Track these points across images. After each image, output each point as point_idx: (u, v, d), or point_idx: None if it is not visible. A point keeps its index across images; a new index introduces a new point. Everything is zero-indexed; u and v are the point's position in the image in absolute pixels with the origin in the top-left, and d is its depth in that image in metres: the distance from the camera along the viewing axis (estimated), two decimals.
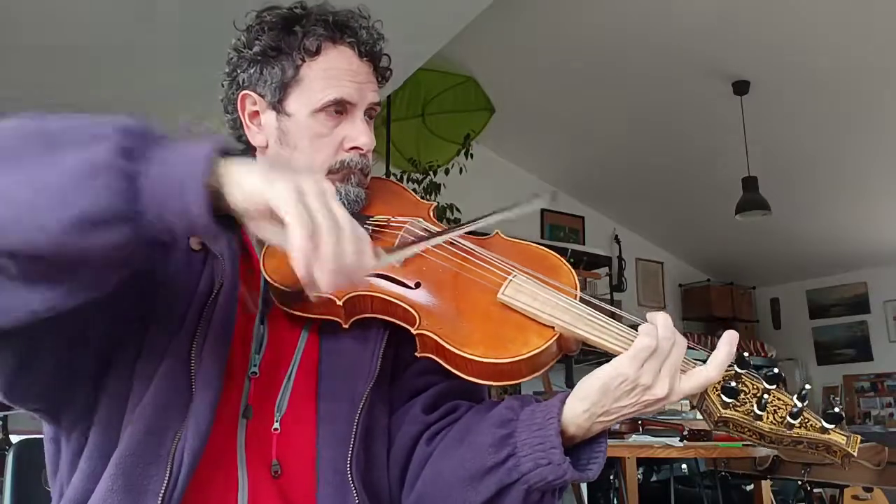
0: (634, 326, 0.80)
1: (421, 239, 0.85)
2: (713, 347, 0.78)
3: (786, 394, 0.75)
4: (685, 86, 4.68)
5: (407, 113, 4.82)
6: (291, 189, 0.60)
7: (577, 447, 0.79)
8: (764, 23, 3.97)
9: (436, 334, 0.78)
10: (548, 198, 0.94)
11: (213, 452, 0.80)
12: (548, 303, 0.79)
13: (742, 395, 0.75)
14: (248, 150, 0.96)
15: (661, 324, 0.75)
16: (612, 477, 3.58)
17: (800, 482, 3.29)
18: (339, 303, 0.83)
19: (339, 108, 0.90)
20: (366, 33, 0.92)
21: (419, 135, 5.00)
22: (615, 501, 3.33)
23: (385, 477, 0.89)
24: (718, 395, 0.75)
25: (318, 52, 0.89)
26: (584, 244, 6.26)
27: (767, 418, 0.74)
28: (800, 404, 0.73)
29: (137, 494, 0.75)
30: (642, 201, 6.40)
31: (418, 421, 0.88)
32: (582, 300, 0.82)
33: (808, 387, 0.75)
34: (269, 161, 0.75)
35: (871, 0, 3.70)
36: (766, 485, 3.29)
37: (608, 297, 5.84)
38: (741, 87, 4.54)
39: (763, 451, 2.98)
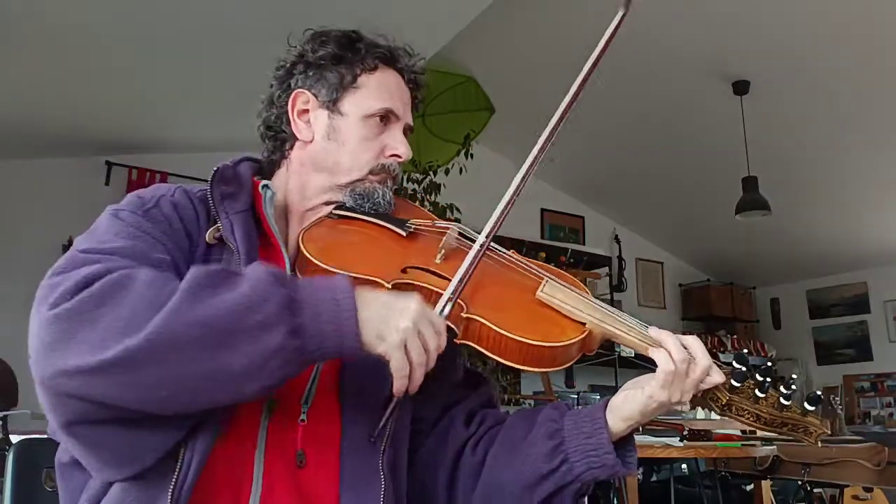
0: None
1: (469, 253, 0.91)
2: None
3: (775, 383, 0.87)
4: (685, 86, 4.68)
5: None
6: (396, 342, 0.77)
7: (615, 446, 0.90)
8: (764, 23, 3.97)
9: (483, 318, 0.85)
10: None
11: (230, 444, 0.82)
12: (580, 301, 0.90)
13: (747, 381, 0.86)
14: (284, 144, 1.03)
15: (670, 347, 0.85)
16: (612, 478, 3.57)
17: (800, 482, 3.29)
18: (388, 285, 0.88)
19: (386, 118, 1.02)
20: (413, 66, 1.07)
21: (419, 135, 4.99)
22: (615, 501, 3.33)
23: (404, 468, 0.95)
24: (726, 383, 0.87)
25: (375, 68, 1.02)
26: (584, 244, 6.26)
27: (764, 402, 0.86)
28: (789, 391, 0.85)
29: (152, 489, 0.77)
30: (642, 201, 6.40)
31: (461, 433, 0.99)
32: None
33: (794, 376, 0.88)
34: (374, 299, 0.80)
35: (871, 0, 3.70)
36: (766, 485, 3.29)
37: (608, 296, 5.84)
38: (741, 87, 4.54)
39: (763, 451, 2.97)
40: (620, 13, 1.03)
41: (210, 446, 0.79)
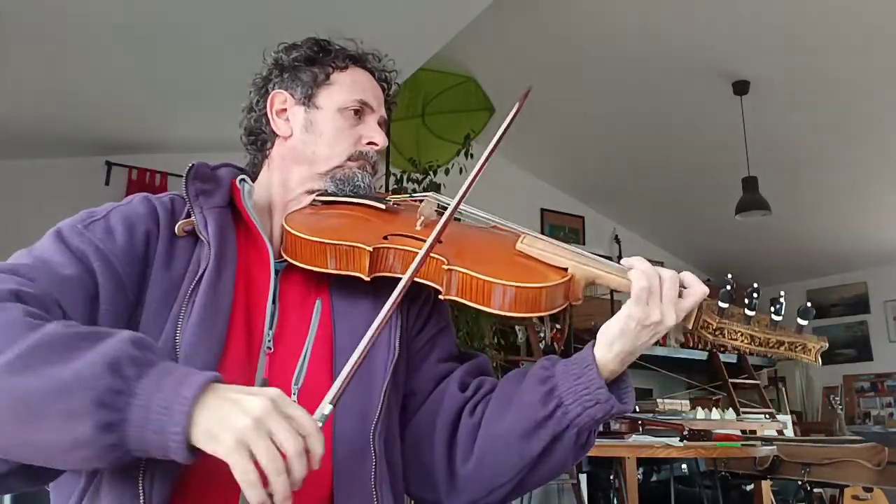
0: None
1: (441, 216, 0.91)
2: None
3: (762, 311, 0.89)
4: (685, 86, 4.68)
5: (407, 113, 4.82)
6: (232, 445, 0.66)
7: (609, 387, 0.89)
8: (764, 23, 3.97)
9: (466, 268, 0.87)
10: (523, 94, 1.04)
11: None
12: (560, 248, 0.92)
13: (734, 304, 0.88)
14: (265, 144, 1.08)
15: (639, 266, 0.86)
16: (612, 477, 3.58)
17: (800, 482, 3.29)
18: (369, 248, 0.91)
19: (360, 111, 1.06)
20: (382, 65, 1.13)
21: (419, 135, 5.00)
22: (615, 501, 3.33)
23: (397, 445, 0.95)
24: (714, 309, 0.88)
25: (346, 67, 1.08)
26: (584, 244, 6.26)
27: (755, 323, 0.88)
28: (779, 307, 0.88)
29: (131, 479, 0.77)
30: (642, 201, 6.40)
31: (457, 398, 0.97)
32: None
33: (782, 292, 0.92)
34: (224, 395, 0.70)
35: (871, 0, 3.70)
36: (766, 485, 3.30)
37: (608, 296, 5.84)
38: (741, 87, 4.54)
39: (763, 451, 2.97)
40: (517, 104, 1.01)
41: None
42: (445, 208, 0.95)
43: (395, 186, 4.60)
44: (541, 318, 5.38)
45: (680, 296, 0.86)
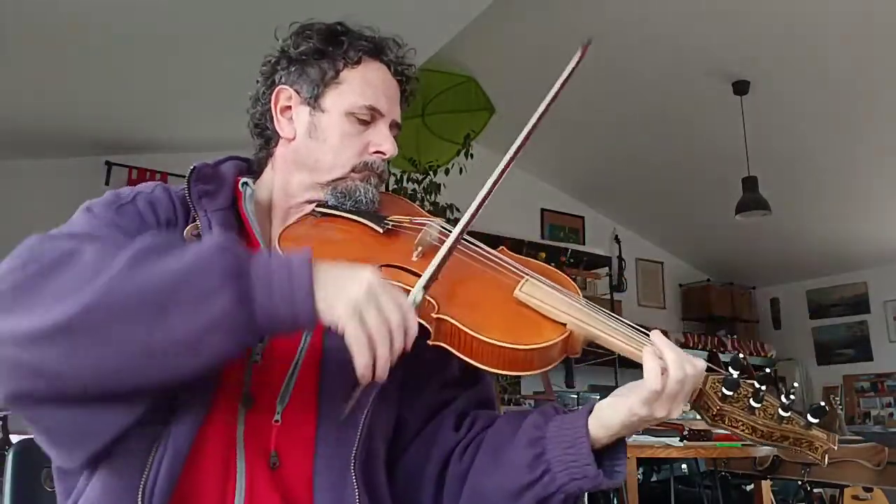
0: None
1: (443, 247, 0.86)
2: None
3: (774, 395, 0.80)
4: (685, 86, 4.68)
5: (407, 113, 4.77)
6: (348, 312, 0.73)
7: (601, 452, 0.85)
8: (764, 23, 3.97)
9: (454, 318, 0.81)
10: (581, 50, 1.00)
11: (211, 440, 0.80)
12: (561, 301, 0.85)
13: (740, 390, 0.80)
14: (270, 141, 1.03)
15: (671, 364, 0.79)
16: None
17: (800, 482, 3.29)
18: None
19: (369, 115, 0.98)
20: (400, 58, 1.03)
21: (419, 135, 5.00)
22: (615, 501, 3.33)
23: (382, 473, 0.91)
24: (717, 391, 0.80)
25: (359, 62, 0.99)
26: (584, 244, 6.26)
27: (760, 413, 0.79)
28: (788, 401, 0.78)
29: (129, 483, 0.76)
30: (642, 201, 6.40)
31: (450, 439, 0.94)
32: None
33: (796, 385, 0.85)
34: (328, 268, 0.75)
35: (871, 0, 3.70)
36: (766, 485, 3.29)
37: (608, 297, 5.84)
38: (741, 87, 4.54)
39: (763, 451, 2.97)
40: (578, 54, 1.01)
41: (188, 444, 0.78)
42: (445, 237, 0.90)
43: (395, 186, 4.60)
44: None
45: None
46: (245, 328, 0.70)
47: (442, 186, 4.63)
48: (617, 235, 6.80)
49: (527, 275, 0.89)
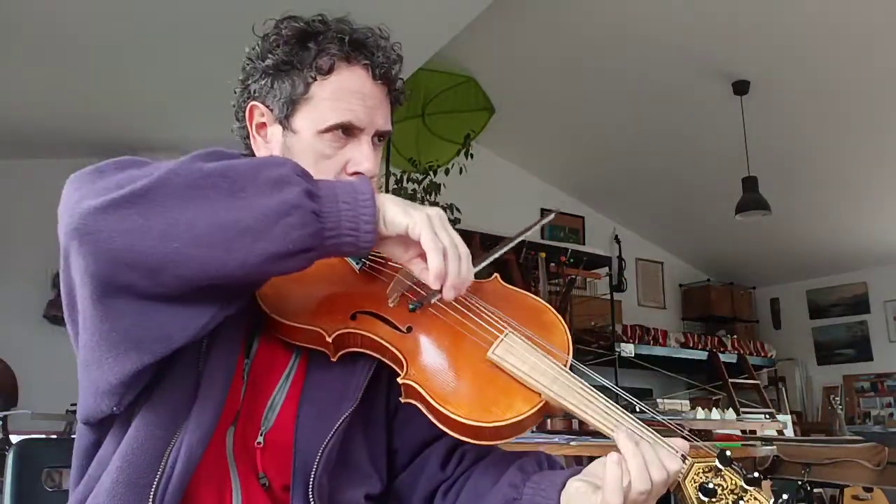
0: (629, 407, 0.82)
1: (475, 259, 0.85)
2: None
3: (762, 495, 0.72)
4: (685, 86, 4.68)
5: (407, 113, 4.82)
6: (425, 219, 0.76)
7: None
8: (764, 23, 3.97)
9: (421, 386, 0.78)
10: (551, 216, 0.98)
11: (207, 457, 0.79)
12: (536, 368, 0.79)
13: (720, 491, 0.73)
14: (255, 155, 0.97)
15: (635, 475, 0.73)
16: None
17: (800, 482, 3.29)
18: (329, 339, 0.83)
19: (346, 130, 0.88)
20: (382, 55, 0.90)
21: (419, 135, 5.00)
22: None
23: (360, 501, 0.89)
24: (696, 492, 0.74)
25: (330, 71, 0.87)
26: (584, 244, 6.26)
27: None
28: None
29: (138, 489, 0.75)
30: (642, 201, 6.41)
31: (436, 477, 0.93)
32: (572, 367, 0.82)
33: (785, 497, 0.75)
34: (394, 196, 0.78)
35: (871, 0, 3.71)
36: (765, 485, 3.29)
37: (608, 297, 5.84)
38: (741, 87, 4.55)
39: (763, 451, 2.97)
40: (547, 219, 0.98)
41: (201, 450, 0.77)
42: (420, 286, 0.86)
43: (395, 186, 4.60)
44: None
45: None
46: (313, 222, 0.71)
47: (442, 186, 4.64)
48: (617, 235, 6.80)
49: (507, 328, 0.83)
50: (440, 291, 0.78)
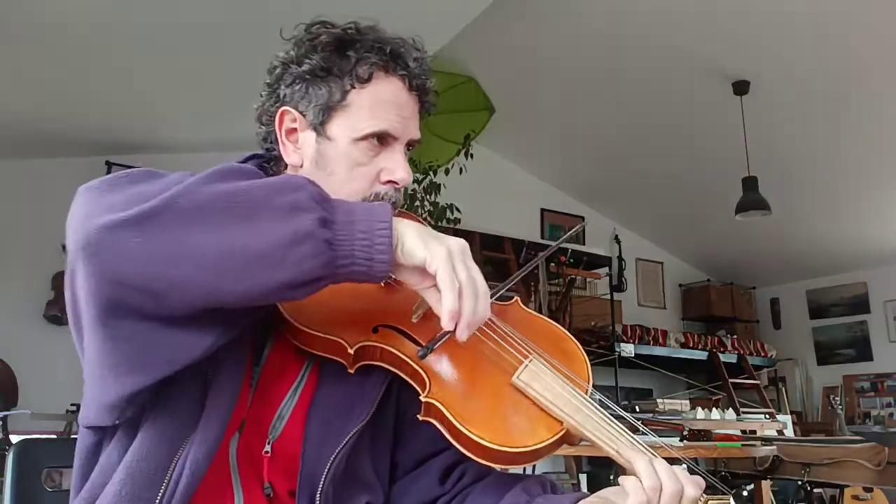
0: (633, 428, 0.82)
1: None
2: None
3: None
4: (685, 86, 4.68)
5: None
6: (444, 254, 0.73)
7: None
8: (764, 23, 3.97)
9: (444, 406, 0.77)
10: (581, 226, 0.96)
11: (213, 469, 0.79)
12: (560, 397, 0.79)
13: None
14: (277, 163, 0.95)
15: (643, 476, 0.74)
16: (612, 477, 3.57)
17: (800, 482, 3.29)
18: (351, 350, 0.82)
19: (381, 139, 0.89)
20: (418, 67, 0.91)
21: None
22: None
23: None
24: None
25: (368, 79, 0.88)
26: (584, 244, 6.26)
27: None
28: None
29: (142, 502, 0.75)
30: (642, 201, 6.41)
31: (434, 490, 0.91)
32: (591, 396, 0.83)
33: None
34: (417, 224, 0.75)
35: (871, 1, 3.70)
36: (766, 485, 3.29)
37: (608, 297, 5.84)
38: (741, 87, 4.54)
39: (763, 451, 2.97)
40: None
41: (206, 463, 0.76)
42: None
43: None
44: None
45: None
46: (325, 252, 0.69)
47: (442, 186, 4.63)
48: (617, 235, 6.80)
49: (532, 353, 0.83)
50: (453, 331, 0.75)
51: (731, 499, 0.74)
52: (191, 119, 4.16)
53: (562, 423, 0.78)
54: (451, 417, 0.76)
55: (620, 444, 0.77)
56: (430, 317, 0.83)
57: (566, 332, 0.91)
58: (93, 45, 3.07)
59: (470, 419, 0.76)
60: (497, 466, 0.78)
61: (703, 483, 0.77)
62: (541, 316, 0.94)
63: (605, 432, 0.78)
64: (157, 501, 0.74)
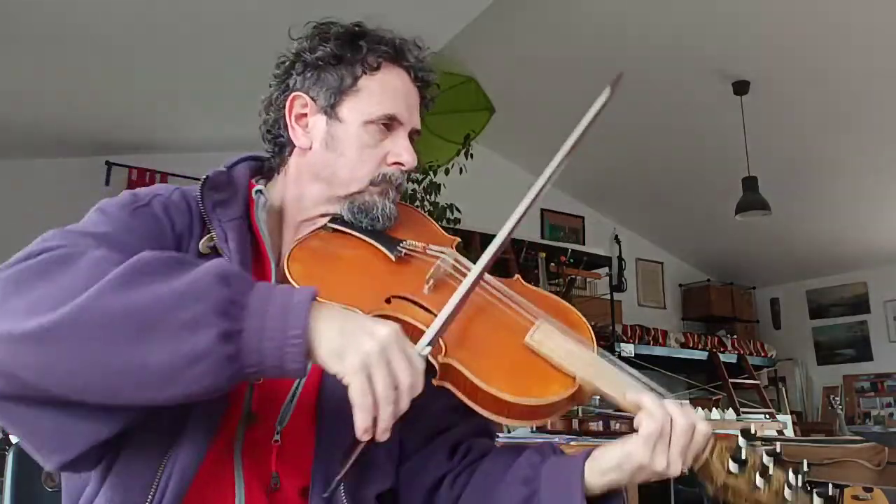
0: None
1: (457, 292, 0.83)
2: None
3: (782, 468, 0.79)
4: (685, 86, 4.68)
5: None
6: (358, 365, 0.68)
7: (597, 500, 0.83)
8: (764, 23, 3.98)
9: (461, 364, 0.79)
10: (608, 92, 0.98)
11: (210, 460, 0.78)
12: (572, 353, 0.82)
13: (747, 465, 0.79)
14: (284, 149, 0.98)
15: (650, 407, 0.78)
16: None
17: None
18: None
19: (389, 123, 0.94)
20: (421, 62, 0.98)
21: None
22: None
23: (373, 499, 0.89)
24: (723, 463, 0.79)
25: (378, 68, 0.94)
26: (584, 244, 6.27)
27: (765, 490, 0.78)
28: (795, 480, 0.78)
29: (134, 500, 0.75)
30: (642, 201, 6.41)
31: (442, 466, 0.93)
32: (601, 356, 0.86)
33: (805, 468, 0.81)
34: (341, 316, 0.72)
35: (871, 0, 3.71)
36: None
37: (608, 297, 5.84)
38: (741, 87, 4.55)
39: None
40: (607, 93, 0.98)
41: (195, 466, 0.76)
42: (460, 272, 0.88)
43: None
44: None
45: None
46: (227, 368, 0.66)
47: (442, 186, 4.63)
48: (617, 235, 6.81)
49: (540, 317, 0.86)
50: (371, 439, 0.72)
51: (740, 436, 0.78)
52: (191, 119, 4.16)
53: (574, 378, 0.81)
54: (469, 374, 0.78)
55: (634, 389, 0.80)
56: (442, 286, 0.87)
57: (569, 305, 0.94)
58: (93, 45, 3.07)
59: (488, 375, 0.78)
60: (514, 421, 0.79)
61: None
62: (544, 291, 0.97)
63: (616, 385, 0.81)
64: (150, 495, 0.74)
